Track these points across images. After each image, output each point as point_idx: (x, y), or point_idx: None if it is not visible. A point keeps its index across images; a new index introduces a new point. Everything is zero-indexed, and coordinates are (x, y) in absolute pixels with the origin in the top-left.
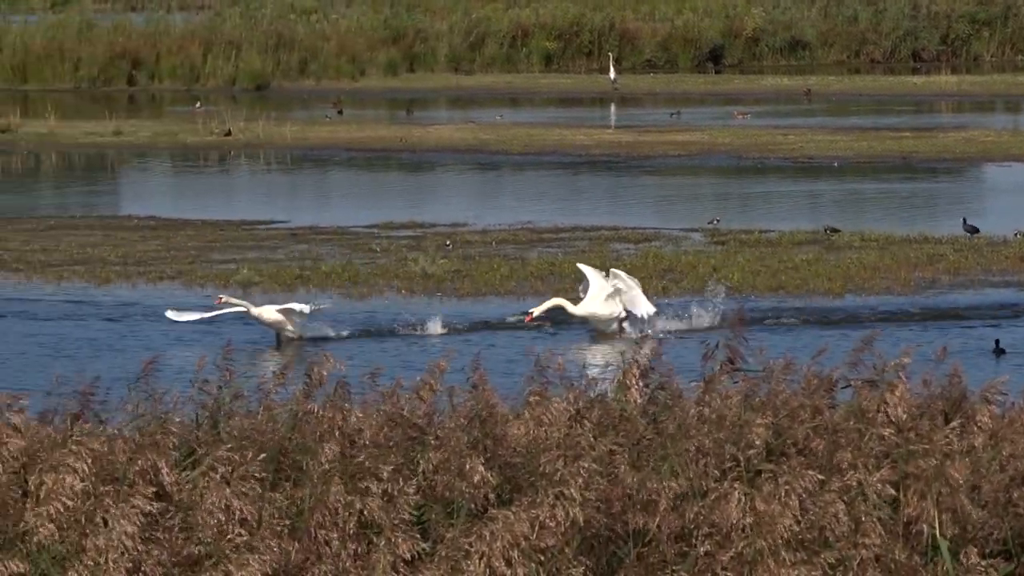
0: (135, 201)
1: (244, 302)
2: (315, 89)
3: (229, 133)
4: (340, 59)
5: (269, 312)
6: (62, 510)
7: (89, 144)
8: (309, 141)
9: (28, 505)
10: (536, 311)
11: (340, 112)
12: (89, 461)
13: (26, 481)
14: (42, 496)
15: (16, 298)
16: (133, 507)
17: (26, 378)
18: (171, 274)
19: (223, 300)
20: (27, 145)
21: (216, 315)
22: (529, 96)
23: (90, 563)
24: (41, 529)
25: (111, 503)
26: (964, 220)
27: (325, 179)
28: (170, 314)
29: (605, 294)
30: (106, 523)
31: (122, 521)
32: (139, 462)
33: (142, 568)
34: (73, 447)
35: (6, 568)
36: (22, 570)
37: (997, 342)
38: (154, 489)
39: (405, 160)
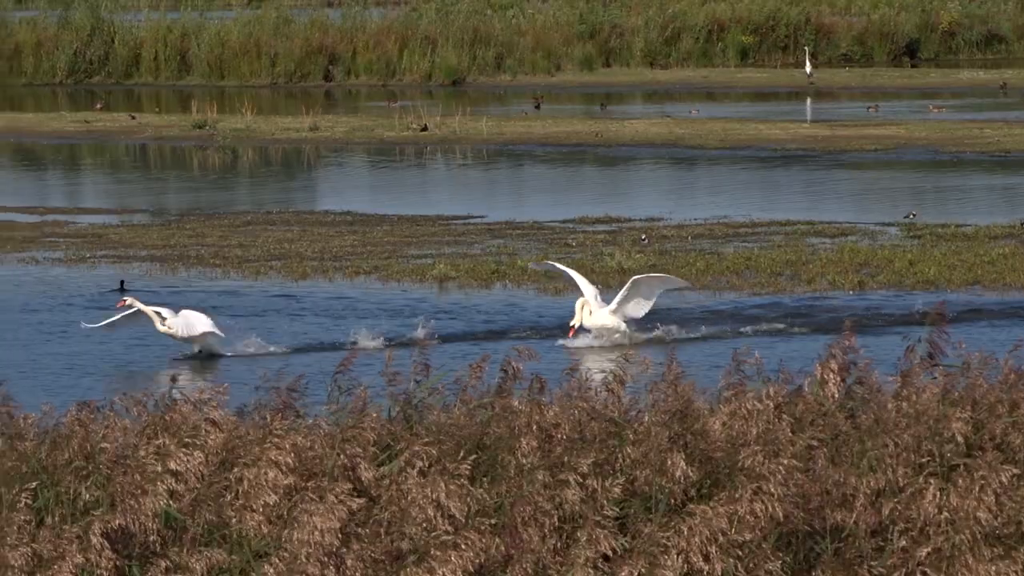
0: (331, 196)
1: (156, 310)
2: (511, 84)
3: (425, 128)
4: (536, 54)
5: (186, 326)
6: (263, 504)
7: (285, 139)
8: (505, 136)
9: (229, 499)
10: (575, 322)
11: (538, 107)
12: (291, 456)
13: (227, 475)
14: (243, 490)
15: (223, 291)
16: (332, 502)
17: (229, 373)
18: (367, 269)
19: (127, 303)
20: (224, 140)
21: (119, 318)
22: (724, 90)
23: (289, 557)
24: (242, 523)
25: (311, 497)
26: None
27: (520, 174)
28: (84, 325)
29: (617, 304)
30: (305, 518)
31: (321, 516)
32: (338, 457)
33: (342, 563)
34: (275, 441)
35: (209, 560)
36: (224, 563)
37: None
38: (352, 484)
39: (600, 155)
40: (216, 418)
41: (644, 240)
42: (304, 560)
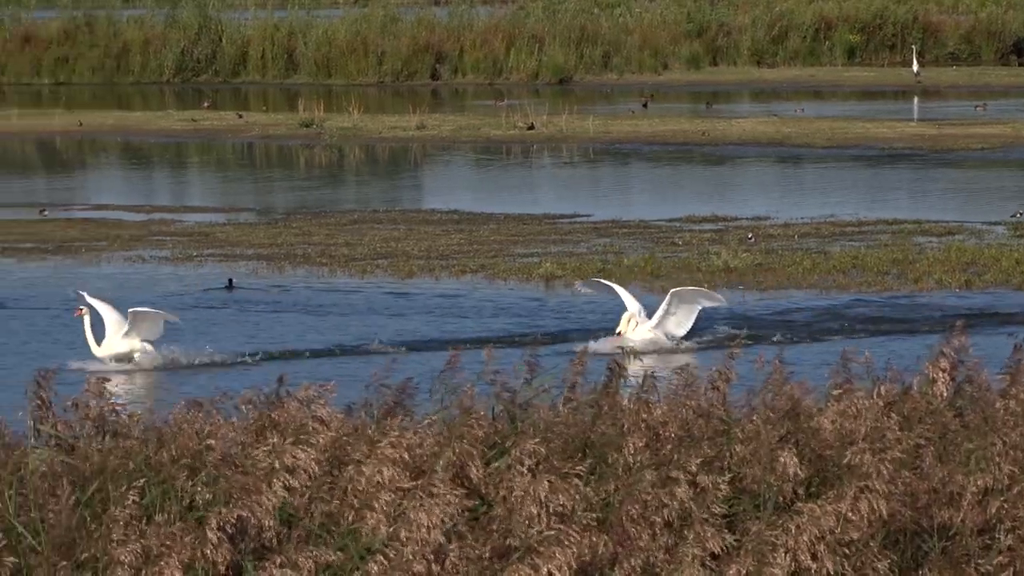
0: (438, 195)
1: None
2: (617, 83)
3: (532, 127)
4: (643, 53)
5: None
6: (374, 502)
7: (392, 138)
8: (611, 135)
9: (341, 497)
10: (622, 328)
11: (645, 106)
12: (400, 454)
13: (335, 473)
14: (352, 488)
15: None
16: (440, 499)
17: (334, 369)
18: (474, 268)
19: (83, 312)
20: (331, 139)
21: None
22: (831, 89)
23: (396, 554)
24: (353, 520)
25: (420, 495)
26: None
27: (627, 173)
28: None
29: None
30: (413, 515)
31: (428, 513)
32: (446, 454)
33: (447, 559)
34: (384, 439)
35: (318, 559)
36: (333, 560)
37: None
38: (460, 482)
39: (707, 153)
40: (324, 416)
41: (751, 239)
42: (410, 557)
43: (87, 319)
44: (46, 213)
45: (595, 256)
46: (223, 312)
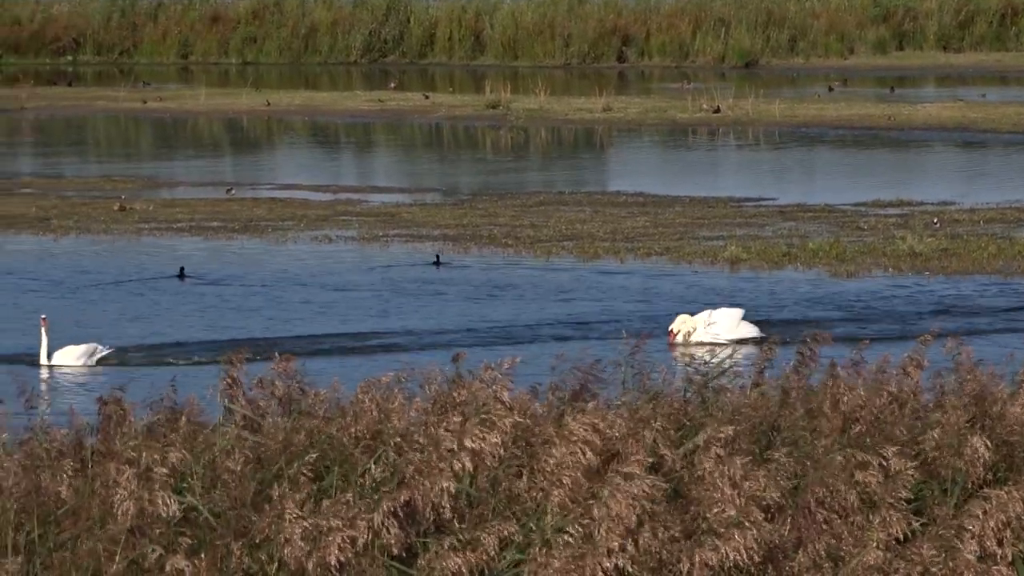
0: (623, 177)
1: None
2: (803, 67)
3: (718, 110)
4: (829, 37)
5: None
6: (560, 482)
7: (578, 120)
8: (797, 119)
9: (526, 478)
10: (676, 327)
11: (831, 90)
12: (588, 435)
13: (521, 455)
14: (541, 469)
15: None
16: (629, 480)
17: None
18: (659, 250)
19: (45, 321)
20: (517, 121)
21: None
22: (1018, 75)
23: (585, 533)
24: (539, 501)
25: (612, 476)
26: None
27: (812, 157)
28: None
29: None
30: (603, 495)
31: (618, 494)
32: (635, 437)
33: (637, 540)
34: (573, 421)
35: (499, 531)
36: (515, 536)
37: None
38: (651, 464)
39: (892, 138)
40: (507, 397)
41: (936, 224)
42: (603, 536)
43: (44, 329)
44: (233, 192)
45: (780, 240)
46: (448, 288)
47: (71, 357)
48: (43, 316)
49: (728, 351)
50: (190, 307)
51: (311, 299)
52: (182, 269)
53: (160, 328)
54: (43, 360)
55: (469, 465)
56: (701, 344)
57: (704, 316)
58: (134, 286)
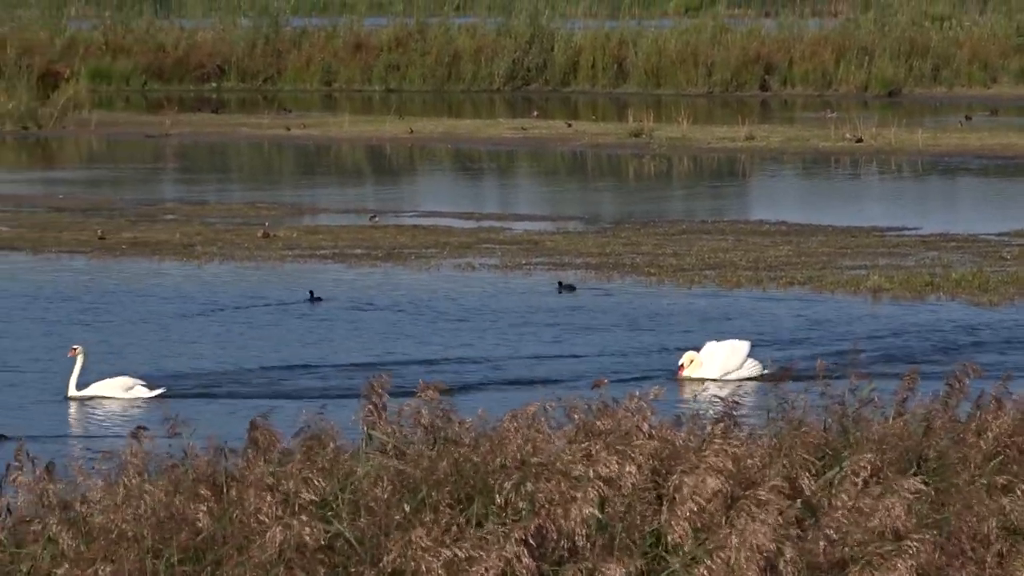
0: (765, 206)
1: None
2: (946, 96)
3: (860, 139)
4: (972, 66)
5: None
6: (696, 511)
7: (720, 148)
8: (939, 148)
9: (664, 506)
10: (684, 362)
11: (968, 119)
12: (728, 464)
13: (659, 483)
14: (678, 497)
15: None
16: (768, 508)
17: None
18: (801, 280)
19: (77, 351)
20: (660, 149)
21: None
22: None
23: (721, 563)
24: (675, 529)
25: (750, 505)
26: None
27: (955, 186)
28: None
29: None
30: (742, 524)
31: (757, 522)
32: (776, 465)
33: (777, 568)
34: (713, 450)
35: (632, 560)
36: (642, 569)
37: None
38: (791, 493)
39: None
40: (648, 425)
41: None
42: (742, 565)
43: (80, 360)
44: (376, 219)
45: (923, 269)
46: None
47: (106, 390)
48: (74, 347)
49: (731, 387)
50: (321, 331)
51: (450, 324)
52: (312, 292)
53: (290, 352)
54: (71, 392)
55: (600, 494)
56: (703, 380)
57: (708, 350)
58: (266, 310)
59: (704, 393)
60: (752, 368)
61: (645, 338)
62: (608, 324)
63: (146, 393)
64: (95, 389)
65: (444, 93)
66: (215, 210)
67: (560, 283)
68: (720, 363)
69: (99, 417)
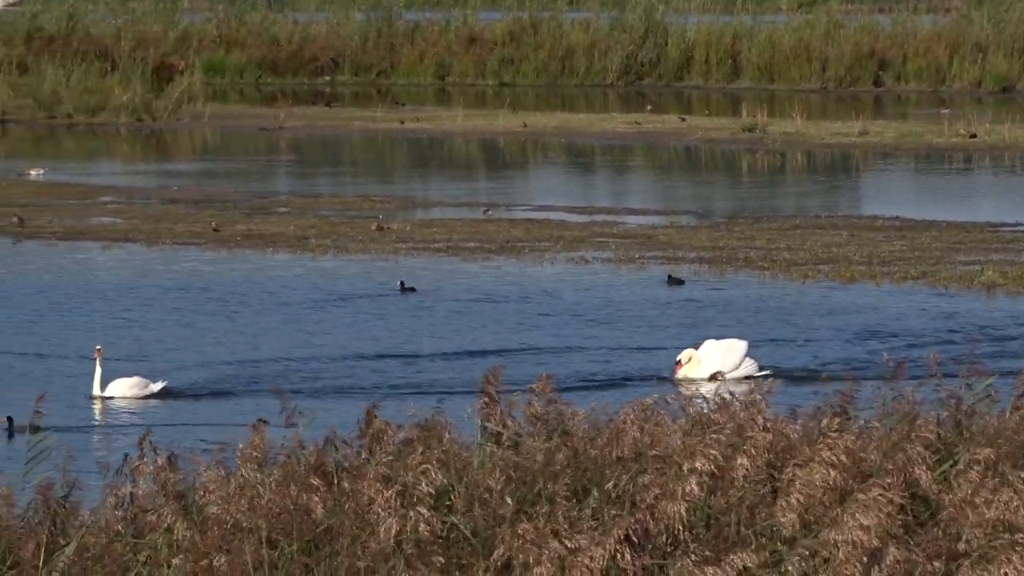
0: (879, 201)
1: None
2: None
3: (974, 135)
4: None
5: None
6: (808, 504)
7: (834, 144)
8: None
9: (778, 498)
10: (682, 359)
11: None
12: (842, 457)
13: (773, 476)
14: (791, 490)
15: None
16: (876, 502)
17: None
18: (915, 275)
19: (100, 351)
20: (773, 144)
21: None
22: None
23: (828, 555)
24: (786, 522)
25: (862, 497)
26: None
27: None
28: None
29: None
30: (853, 518)
31: (863, 515)
32: (892, 459)
33: (882, 561)
34: (828, 443)
35: (741, 551)
36: (755, 562)
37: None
38: (906, 486)
39: None
40: (763, 418)
41: None
42: (844, 557)
43: (99, 360)
44: (490, 213)
45: None
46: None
47: (123, 389)
48: (97, 347)
49: (727, 384)
50: (430, 323)
51: (562, 317)
52: (402, 283)
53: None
54: (96, 392)
55: (711, 486)
56: (701, 378)
57: (707, 348)
58: (363, 302)
59: (706, 390)
60: (749, 367)
61: (757, 331)
62: (717, 317)
63: (156, 388)
64: (113, 389)
65: (557, 87)
66: (329, 203)
67: (670, 276)
68: (718, 362)
69: (208, 411)
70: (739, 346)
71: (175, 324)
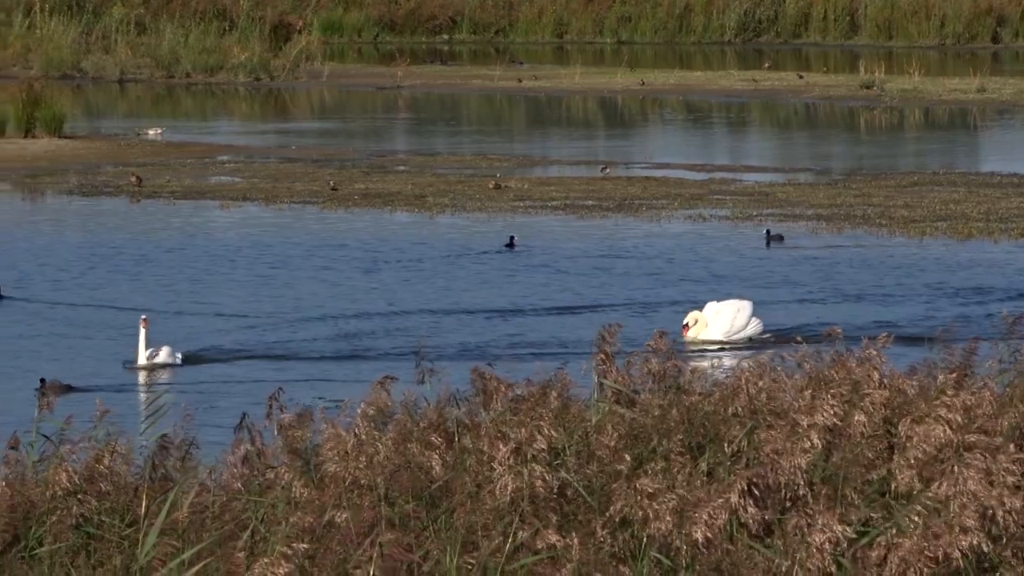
0: (997, 158)
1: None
2: None
3: None
4: None
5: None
6: (924, 460)
7: (952, 100)
8: None
9: (891, 455)
10: (688, 321)
11: None
12: (958, 414)
13: (891, 432)
14: (907, 445)
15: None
16: (991, 458)
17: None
18: None
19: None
20: (891, 101)
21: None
22: None
23: (937, 509)
24: (901, 478)
25: (972, 454)
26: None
27: None
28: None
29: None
30: (963, 473)
31: (977, 472)
32: (1007, 415)
33: (995, 519)
34: (944, 399)
35: (857, 508)
36: (872, 512)
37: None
38: (1021, 442)
39: None
40: (879, 374)
41: None
42: (958, 514)
43: (144, 330)
44: (607, 171)
45: None
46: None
47: (164, 357)
48: (143, 316)
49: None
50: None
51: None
52: (512, 238)
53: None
54: (141, 361)
55: (827, 442)
56: (709, 340)
57: (711, 309)
58: (479, 260)
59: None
60: (756, 327)
61: (873, 288)
62: (833, 275)
63: (179, 358)
64: (161, 357)
65: (675, 45)
66: (446, 161)
67: (768, 232)
68: (726, 323)
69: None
70: (745, 306)
71: (291, 283)
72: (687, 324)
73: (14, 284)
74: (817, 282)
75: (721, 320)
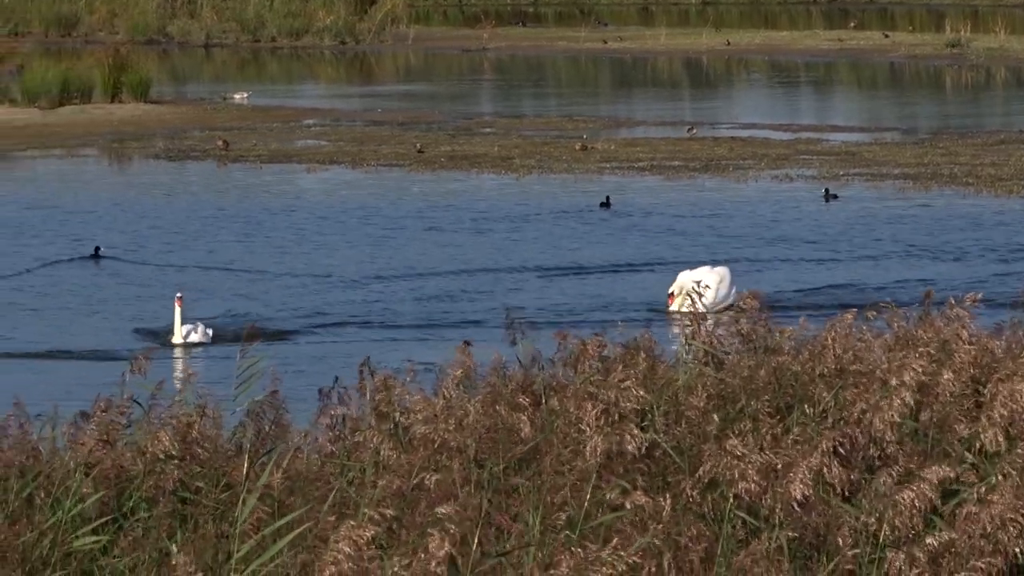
0: None
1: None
2: None
3: None
4: None
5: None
6: (1011, 418)
7: None
8: None
9: (978, 414)
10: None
11: None
12: None
13: (979, 391)
14: (994, 404)
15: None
16: None
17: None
18: None
19: (180, 299)
20: (977, 59)
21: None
22: None
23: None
24: (987, 437)
25: None
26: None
27: None
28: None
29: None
30: None
31: None
32: None
33: None
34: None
35: (943, 467)
36: (960, 472)
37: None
38: None
39: None
40: (967, 333)
41: None
42: None
43: (179, 308)
44: (694, 132)
45: None
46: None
47: (200, 335)
48: (179, 295)
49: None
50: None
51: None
52: (607, 198)
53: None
54: (177, 339)
55: (914, 401)
56: (692, 310)
57: (692, 277)
58: (566, 220)
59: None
60: (735, 296)
61: (961, 247)
62: (919, 236)
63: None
64: (196, 336)
65: (760, 5)
66: (532, 123)
67: (826, 191)
68: (712, 293)
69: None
70: (726, 274)
71: (376, 246)
72: (672, 293)
73: (123, 247)
74: (905, 242)
75: (709, 290)
